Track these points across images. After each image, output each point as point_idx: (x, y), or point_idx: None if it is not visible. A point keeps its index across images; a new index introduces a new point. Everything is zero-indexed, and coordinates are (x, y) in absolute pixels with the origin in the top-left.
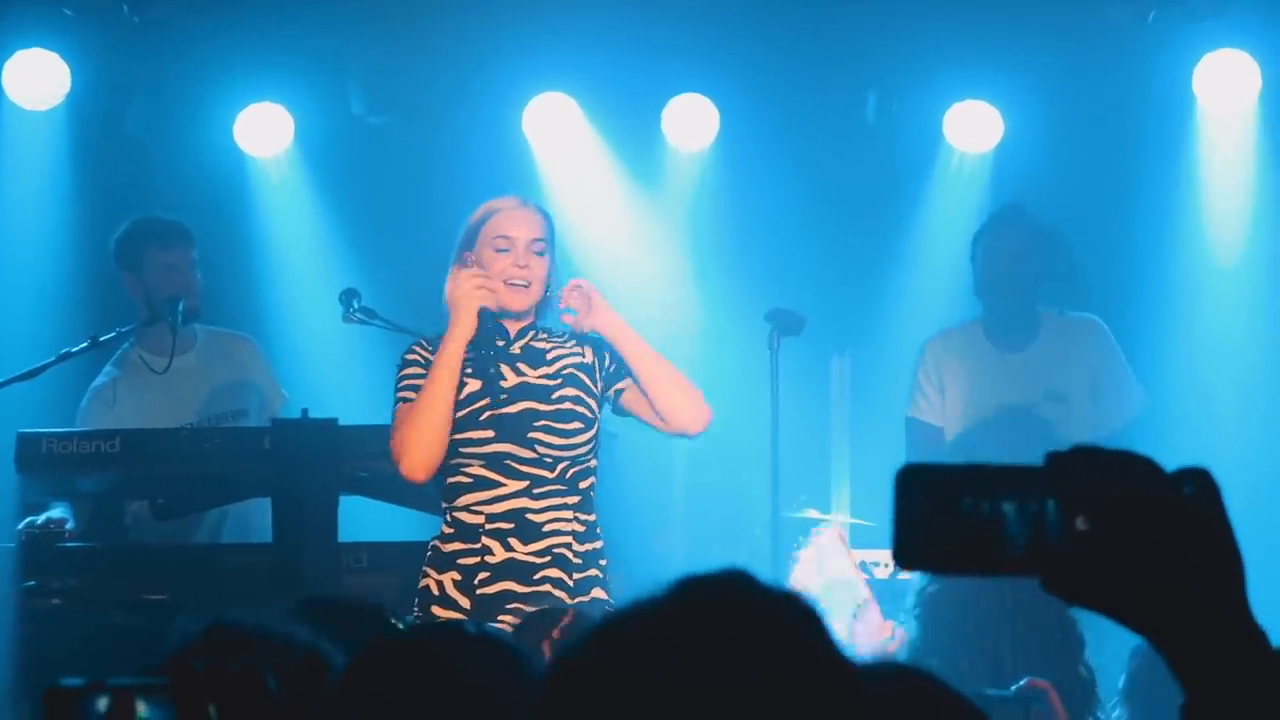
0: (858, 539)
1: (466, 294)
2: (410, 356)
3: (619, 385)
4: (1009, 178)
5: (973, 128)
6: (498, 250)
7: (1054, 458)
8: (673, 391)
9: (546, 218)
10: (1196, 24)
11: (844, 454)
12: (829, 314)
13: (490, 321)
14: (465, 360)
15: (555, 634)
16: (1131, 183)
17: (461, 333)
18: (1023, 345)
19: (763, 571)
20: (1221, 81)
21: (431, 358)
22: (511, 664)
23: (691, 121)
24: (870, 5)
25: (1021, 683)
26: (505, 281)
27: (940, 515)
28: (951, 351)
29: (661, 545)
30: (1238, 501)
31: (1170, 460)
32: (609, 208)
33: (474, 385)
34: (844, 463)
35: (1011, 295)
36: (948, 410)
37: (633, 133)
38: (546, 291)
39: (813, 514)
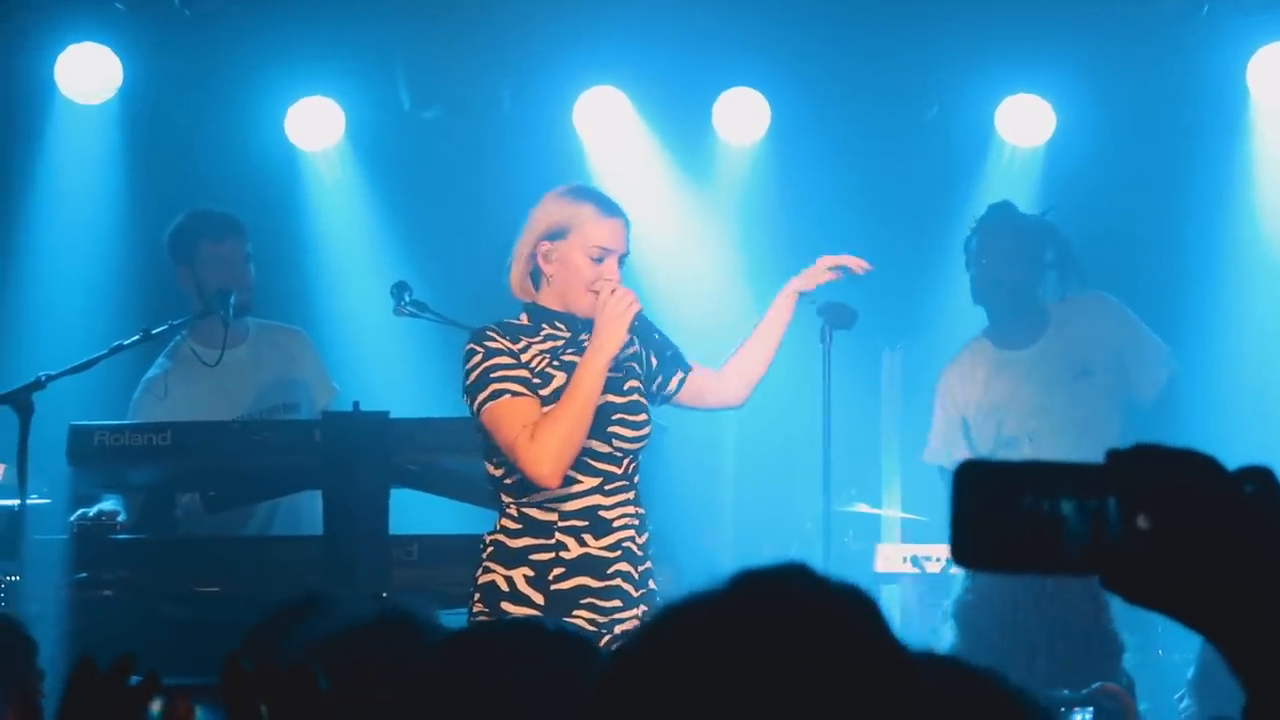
0: (910, 534)
1: (623, 313)
2: (492, 345)
3: (680, 373)
4: (1061, 172)
5: (1024, 121)
6: (594, 258)
7: (1115, 455)
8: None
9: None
10: (1250, 17)
11: (895, 448)
12: (881, 308)
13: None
14: (557, 358)
15: None
16: (1184, 177)
17: (614, 348)
18: (1032, 339)
19: (815, 565)
20: (1276, 75)
21: (511, 345)
22: (596, 660)
23: (742, 115)
24: (921, 0)
25: (1095, 685)
26: (589, 288)
27: (1000, 513)
28: (960, 376)
29: (711, 540)
30: None
31: (1224, 458)
32: (660, 202)
33: (559, 380)
34: (895, 457)
35: (1008, 295)
36: (983, 430)
37: (684, 127)
38: None
39: (864, 508)
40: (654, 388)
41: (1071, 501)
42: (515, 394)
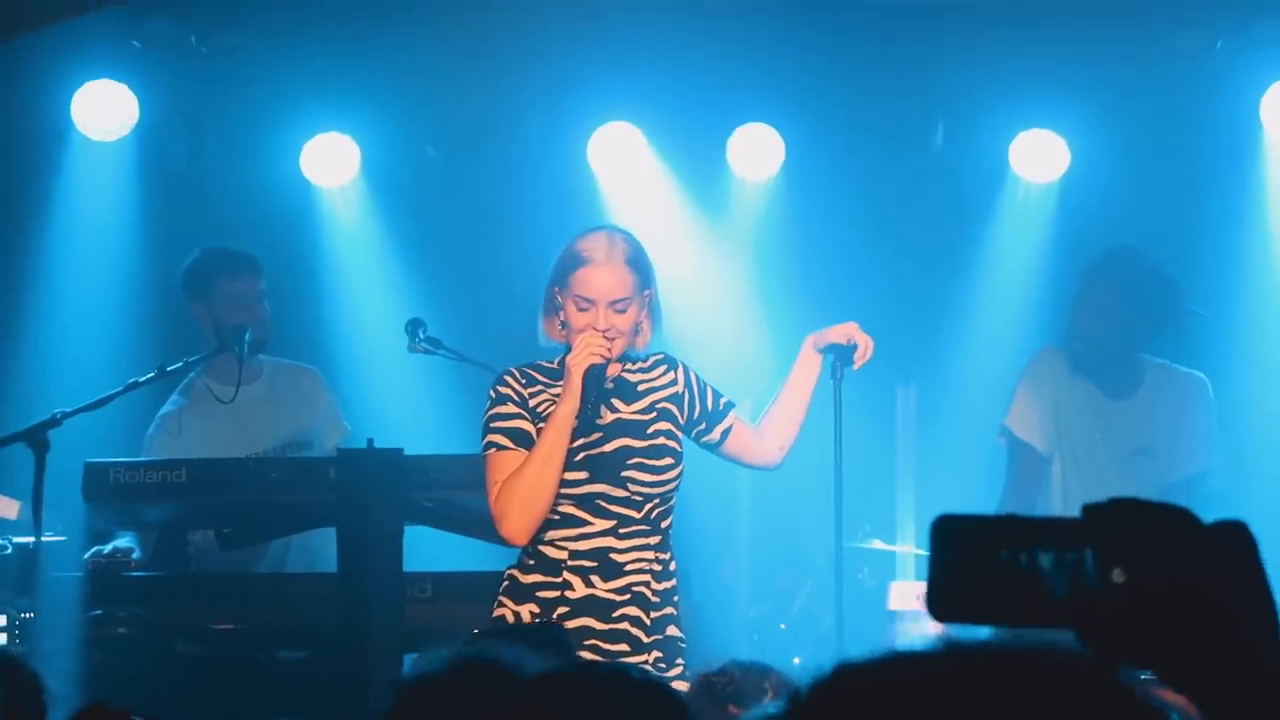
0: (923, 571)
1: (576, 362)
2: (502, 390)
3: (725, 424)
4: (1075, 207)
5: (1038, 157)
6: (579, 308)
7: (1091, 510)
8: (799, 425)
9: (633, 258)
10: (1263, 51)
11: (909, 484)
12: (895, 344)
13: (598, 378)
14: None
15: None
16: (1199, 212)
17: (569, 401)
18: (1126, 393)
19: (827, 603)
20: None
21: (524, 392)
22: (678, 711)
23: (757, 151)
24: (935, 35)
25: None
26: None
27: (977, 566)
28: (1061, 375)
29: (728, 575)
30: None
31: (1242, 488)
32: (674, 237)
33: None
34: (909, 493)
35: (1106, 347)
36: (1059, 438)
37: (698, 162)
38: (636, 333)
39: (878, 544)
40: (695, 435)
41: (1049, 554)
42: (500, 448)
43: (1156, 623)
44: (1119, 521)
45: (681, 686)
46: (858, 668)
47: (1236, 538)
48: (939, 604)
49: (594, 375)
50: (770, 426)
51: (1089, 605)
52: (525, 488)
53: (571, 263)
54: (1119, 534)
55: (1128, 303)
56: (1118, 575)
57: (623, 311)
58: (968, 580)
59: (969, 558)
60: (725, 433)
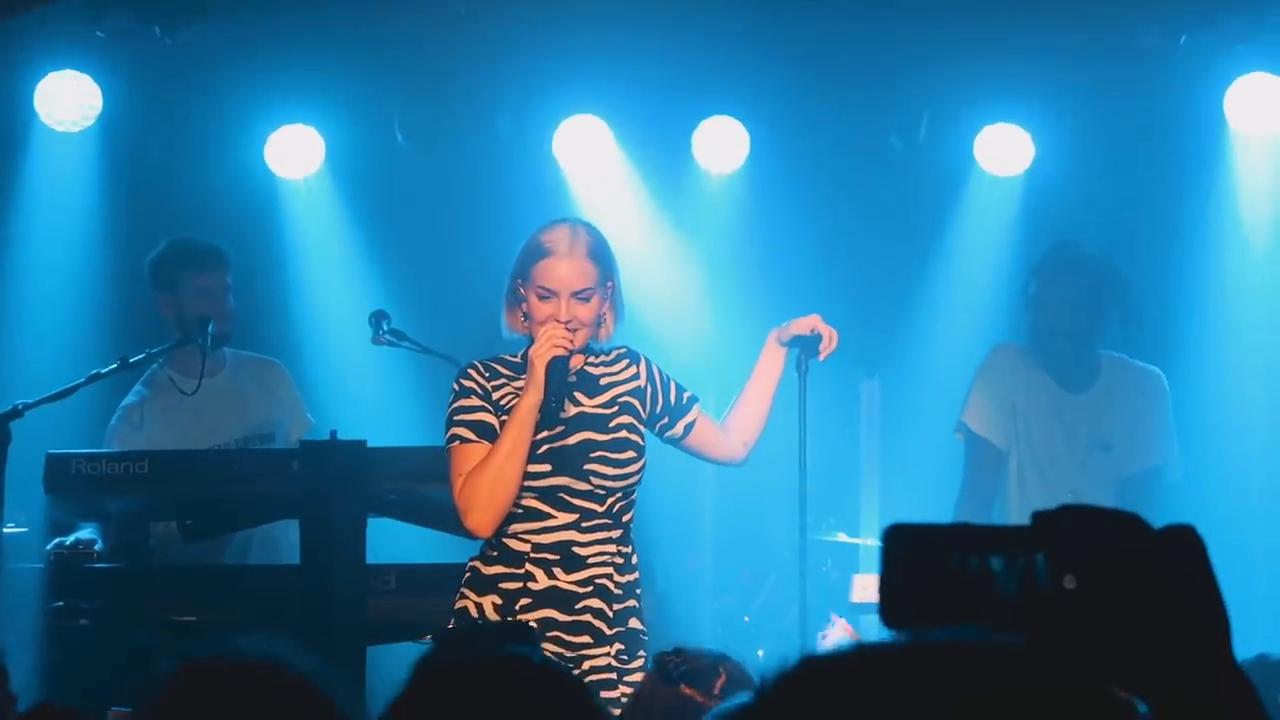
0: None
1: (539, 354)
2: (465, 384)
3: (689, 418)
4: (1039, 201)
5: (1003, 151)
6: (541, 298)
7: (1040, 517)
8: (764, 421)
9: (595, 250)
10: (1228, 48)
11: (873, 477)
12: (859, 338)
13: (561, 370)
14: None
15: (716, 693)
16: (1163, 207)
17: (533, 392)
18: (1083, 386)
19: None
20: (1254, 105)
21: (486, 385)
22: (585, 702)
23: (722, 144)
24: (901, 29)
25: None
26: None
27: (927, 570)
28: (1017, 370)
29: (691, 567)
30: None
31: (1207, 483)
32: (639, 230)
33: None
34: (873, 486)
35: (1066, 341)
36: (1017, 434)
37: (663, 155)
38: (599, 324)
39: (842, 537)
40: (658, 429)
41: (1000, 558)
42: (464, 440)
43: (1108, 630)
44: (1069, 528)
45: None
46: (823, 659)
47: (1186, 542)
48: (891, 610)
49: (557, 367)
50: (735, 422)
51: (1040, 610)
52: (490, 480)
53: (534, 254)
54: (1069, 541)
55: (1088, 295)
56: (1069, 582)
57: (585, 301)
58: (919, 586)
59: (920, 564)
60: (688, 427)
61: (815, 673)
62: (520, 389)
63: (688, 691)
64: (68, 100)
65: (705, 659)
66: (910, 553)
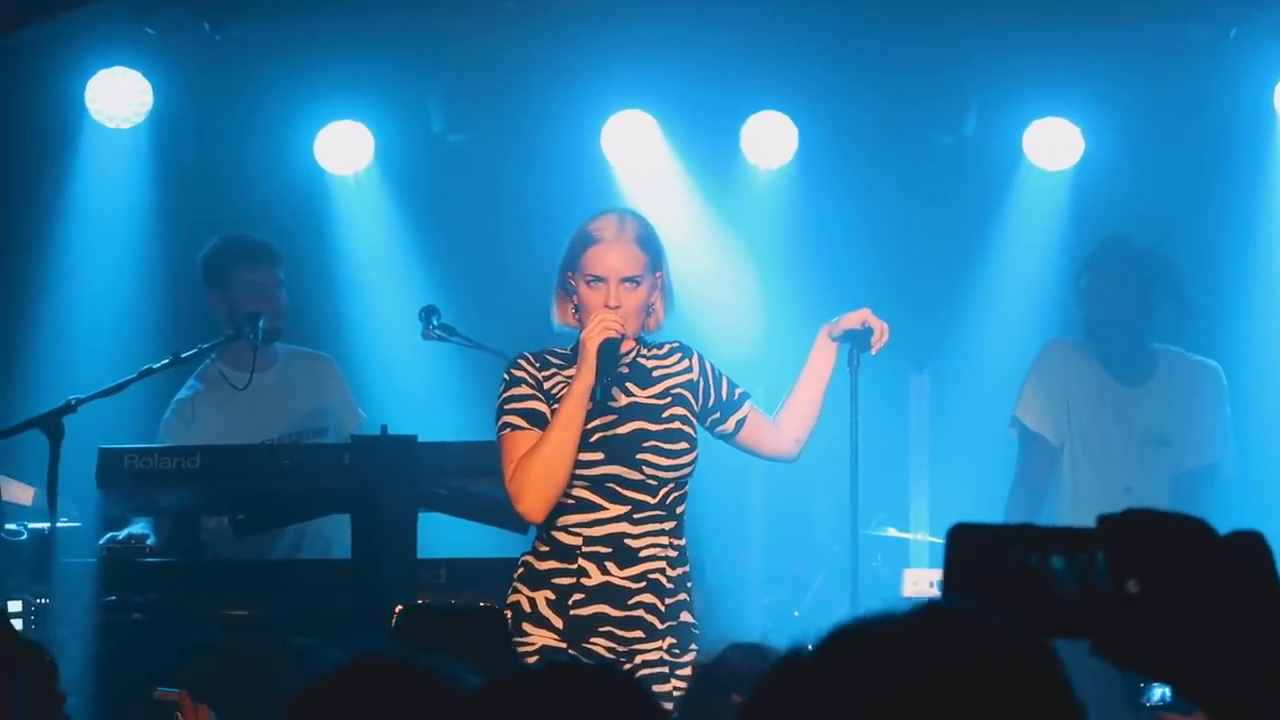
0: (938, 558)
1: (590, 336)
2: (516, 374)
3: (740, 414)
4: (1089, 195)
5: (1053, 145)
6: (590, 285)
7: (1105, 520)
8: (816, 417)
9: (643, 238)
10: (1277, 40)
11: (923, 472)
12: (908, 332)
13: (612, 353)
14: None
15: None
16: (1213, 201)
17: (585, 377)
18: (1139, 380)
19: (842, 590)
20: None
21: (538, 374)
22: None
23: (770, 139)
24: (950, 24)
25: None
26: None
27: (989, 568)
28: (1071, 364)
29: (741, 563)
30: None
31: (1251, 481)
32: (687, 225)
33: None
34: (923, 480)
35: (1121, 333)
36: (1071, 428)
37: (711, 150)
38: (648, 314)
39: (892, 532)
40: (710, 424)
41: (1061, 557)
42: (515, 428)
43: (1171, 634)
44: (1134, 531)
45: None
46: (799, 659)
47: (1252, 549)
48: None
49: (609, 351)
50: (786, 417)
51: (1101, 612)
52: (542, 465)
53: (582, 242)
54: (1134, 544)
55: (1140, 286)
56: (1132, 586)
57: (635, 287)
58: (980, 585)
59: (982, 560)
60: (740, 423)
61: (790, 673)
62: (571, 378)
63: (738, 699)
64: (119, 97)
65: (753, 661)
66: (972, 550)
